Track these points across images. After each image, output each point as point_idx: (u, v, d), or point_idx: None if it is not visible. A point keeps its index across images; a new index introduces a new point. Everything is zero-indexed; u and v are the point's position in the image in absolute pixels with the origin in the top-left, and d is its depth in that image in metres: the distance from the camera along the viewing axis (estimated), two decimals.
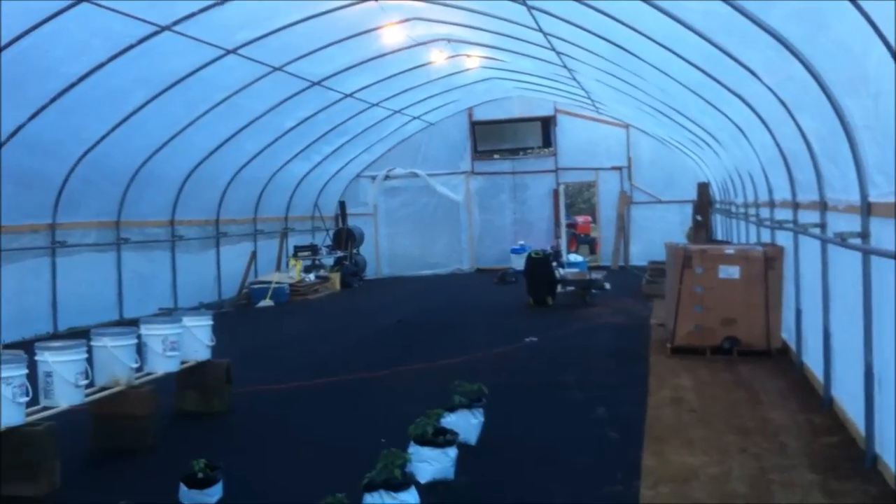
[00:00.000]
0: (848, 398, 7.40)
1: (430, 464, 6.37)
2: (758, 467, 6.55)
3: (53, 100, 12.28)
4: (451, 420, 7.13)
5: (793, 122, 8.44)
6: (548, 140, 25.62)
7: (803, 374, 9.60)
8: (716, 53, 8.82)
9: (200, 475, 6.08)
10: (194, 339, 8.66)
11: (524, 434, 7.80)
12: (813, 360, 9.14)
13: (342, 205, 25.25)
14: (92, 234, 15.69)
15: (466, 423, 7.31)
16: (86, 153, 14.20)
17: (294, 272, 20.76)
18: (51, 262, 14.59)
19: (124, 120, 14.07)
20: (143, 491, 6.27)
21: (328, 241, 24.27)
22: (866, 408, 6.43)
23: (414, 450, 6.38)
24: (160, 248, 17.64)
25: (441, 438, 6.53)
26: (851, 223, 6.77)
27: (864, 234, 6.47)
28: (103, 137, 14.15)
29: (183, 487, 6.07)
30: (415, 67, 18.63)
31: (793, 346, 10.43)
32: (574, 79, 18.17)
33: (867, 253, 6.44)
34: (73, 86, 12.25)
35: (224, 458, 6.60)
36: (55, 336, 13.35)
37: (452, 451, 6.51)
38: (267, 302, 18.94)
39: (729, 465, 6.61)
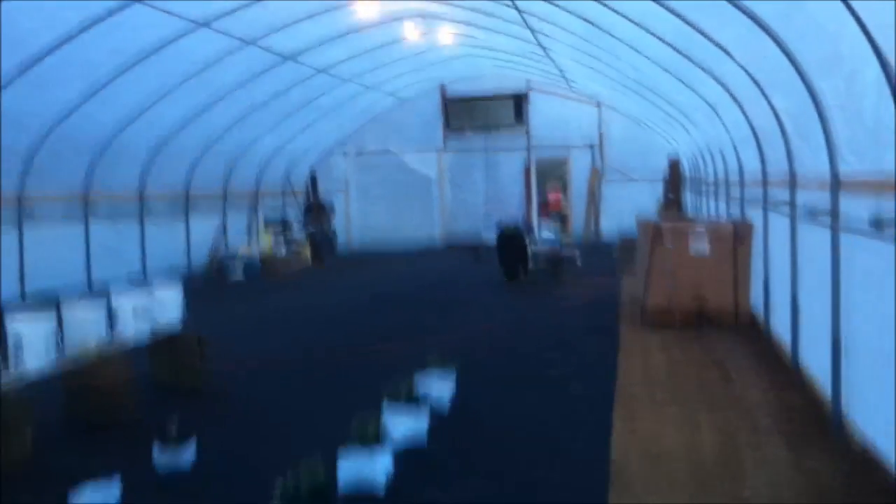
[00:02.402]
0: (815, 366, 7.56)
1: (403, 431, 6.43)
2: (728, 434, 6.67)
3: (23, 71, 12.10)
4: (423, 391, 7.19)
5: (765, 101, 8.53)
6: (520, 117, 25.66)
7: (771, 346, 9.75)
8: (689, 31, 8.88)
9: (173, 436, 6.09)
10: (165, 308, 8.65)
11: (494, 406, 7.86)
12: (781, 332, 9.29)
13: (314, 179, 25.17)
14: (60, 206, 15.51)
15: (439, 395, 7.37)
16: (56, 125, 14.02)
17: (265, 246, 20.70)
18: (18, 233, 14.42)
19: (95, 92, 13.90)
20: (116, 459, 6.27)
21: (300, 216, 24.20)
22: (833, 375, 6.58)
23: (388, 416, 6.45)
24: (129, 220, 17.49)
25: (414, 405, 6.59)
26: (821, 200, 6.87)
27: (834, 211, 6.57)
28: (74, 109, 13.98)
29: (156, 450, 6.07)
30: (388, 43, 18.55)
31: (761, 319, 10.59)
32: (548, 56, 18.20)
33: (836, 230, 6.55)
34: (43, 57, 12.08)
35: (197, 429, 6.60)
36: (23, 304, 13.23)
37: (425, 420, 6.57)
38: (237, 275, 18.86)
39: (699, 436, 6.71)
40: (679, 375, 8.40)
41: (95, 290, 14.67)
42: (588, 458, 6.29)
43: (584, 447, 6.54)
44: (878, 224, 5.00)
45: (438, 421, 6.91)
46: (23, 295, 14.18)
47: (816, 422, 6.79)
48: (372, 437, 5.57)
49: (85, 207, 16.00)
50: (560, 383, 8.69)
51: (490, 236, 21.09)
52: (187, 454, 6.11)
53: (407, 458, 6.16)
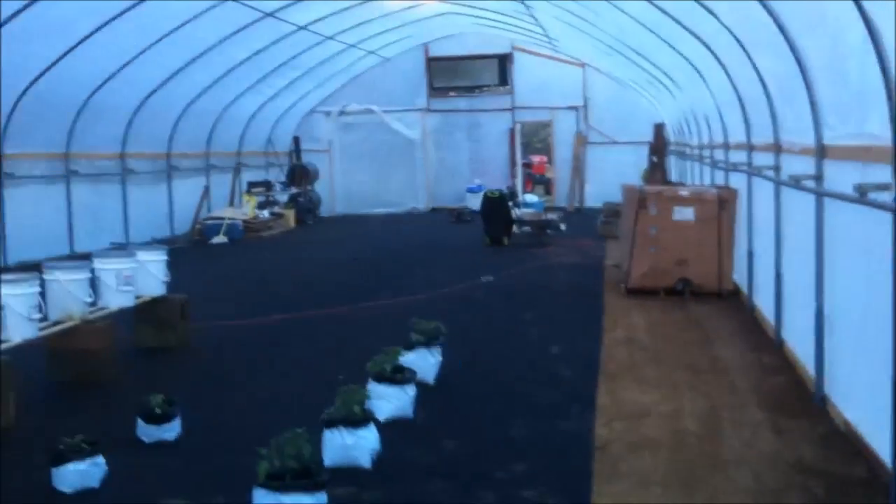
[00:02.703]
0: (798, 339, 7.56)
1: (389, 401, 6.41)
2: (709, 405, 6.70)
3: None
4: (409, 359, 7.16)
5: (749, 63, 8.48)
6: (504, 78, 25.51)
7: (754, 316, 9.79)
8: None
9: (158, 411, 6.06)
10: (149, 274, 8.58)
11: (482, 372, 7.88)
12: (764, 302, 9.31)
13: (296, 140, 24.96)
14: (41, 166, 15.35)
15: (424, 362, 7.34)
16: (32, 83, 13.81)
17: (248, 208, 20.59)
18: None
19: (71, 49, 13.69)
20: (100, 425, 6.23)
21: (282, 177, 24.03)
22: (816, 349, 6.58)
23: (372, 387, 6.42)
24: (111, 181, 17.34)
25: (399, 376, 6.57)
26: (806, 165, 6.85)
27: (818, 177, 6.55)
28: (50, 67, 13.76)
29: (141, 423, 6.05)
30: (370, 0, 18.31)
31: (745, 287, 10.62)
32: (531, 15, 18.04)
33: (821, 195, 6.54)
34: (17, 13, 11.85)
35: (181, 393, 6.57)
36: (6, 269, 13.12)
37: (411, 389, 6.56)
38: (221, 238, 18.76)
39: (680, 403, 6.75)
40: (663, 354, 8.40)
41: (78, 254, 14.58)
42: (572, 427, 6.32)
43: (566, 407, 6.57)
44: (861, 190, 4.99)
45: (424, 389, 6.90)
46: (4, 258, 14.07)
47: (799, 399, 6.79)
48: (357, 414, 5.54)
49: (66, 167, 15.83)
50: (542, 347, 8.71)
51: (474, 200, 21.07)
52: (172, 428, 6.09)
53: (392, 426, 6.16)
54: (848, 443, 5.71)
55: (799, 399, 6.78)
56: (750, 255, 10.21)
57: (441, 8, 20.41)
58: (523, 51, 24.93)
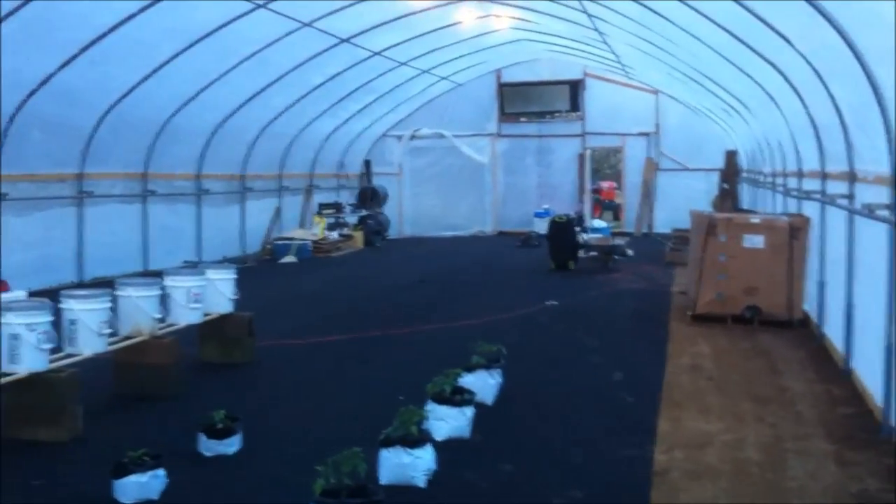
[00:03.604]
0: (868, 370, 7.37)
1: (447, 422, 6.42)
2: (773, 435, 6.55)
3: (83, 49, 12.30)
4: (468, 380, 7.17)
5: (825, 91, 8.33)
6: (575, 104, 25.42)
7: (823, 346, 9.56)
8: (748, 18, 8.70)
9: (220, 426, 6.16)
10: (217, 291, 8.74)
11: (542, 396, 7.83)
12: (834, 332, 9.09)
13: (367, 163, 25.25)
14: (119, 185, 15.78)
15: (484, 384, 7.35)
16: (115, 104, 14.24)
17: (318, 229, 20.84)
18: (77, 211, 14.70)
19: (153, 72, 14.09)
20: (163, 438, 6.37)
21: (352, 200, 24.30)
22: (885, 380, 6.40)
23: (431, 408, 6.44)
24: (186, 201, 17.73)
25: (458, 397, 6.58)
26: (880, 195, 6.69)
27: (893, 206, 6.39)
28: (132, 89, 14.18)
29: (203, 437, 6.15)
30: (444, 27, 18.49)
31: (814, 317, 10.38)
32: (605, 42, 17.99)
33: (895, 225, 6.37)
34: (103, 36, 12.25)
35: (244, 409, 6.68)
36: (81, 285, 13.50)
37: (469, 411, 6.56)
38: (290, 258, 19.03)
39: (744, 433, 6.62)
40: (728, 383, 8.24)
41: (151, 271, 14.93)
42: (632, 454, 6.23)
43: (627, 434, 6.48)
44: None
45: (482, 410, 6.89)
46: (80, 274, 14.49)
47: (866, 430, 6.60)
48: (414, 434, 5.56)
49: (143, 187, 16.25)
50: (604, 372, 8.63)
51: (541, 224, 21.00)
52: (233, 443, 6.18)
53: (449, 447, 6.15)
54: None
55: (866, 430, 6.59)
56: (821, 284, 9.98)
57: (514, 35, 20.48)
58: (595, 77, 24.84)
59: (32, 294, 8.30)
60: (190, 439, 6.22)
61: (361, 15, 15.98)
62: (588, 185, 25.40)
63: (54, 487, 5.58)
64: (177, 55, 13.99)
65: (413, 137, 25.91)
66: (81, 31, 12.01)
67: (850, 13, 6.48)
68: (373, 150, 25.88)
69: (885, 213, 6.45)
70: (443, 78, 23.93)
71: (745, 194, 19.66)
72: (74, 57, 12.32)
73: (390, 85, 21.90)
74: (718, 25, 9.99)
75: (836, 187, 8.80)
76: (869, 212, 6.63)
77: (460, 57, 21.95)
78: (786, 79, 9.79)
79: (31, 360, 6.34)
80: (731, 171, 18.90)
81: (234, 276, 9.02)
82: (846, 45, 6.78)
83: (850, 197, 8.12)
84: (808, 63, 8.41)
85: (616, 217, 28.41)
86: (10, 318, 6.32)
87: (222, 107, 17.09)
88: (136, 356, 7.57)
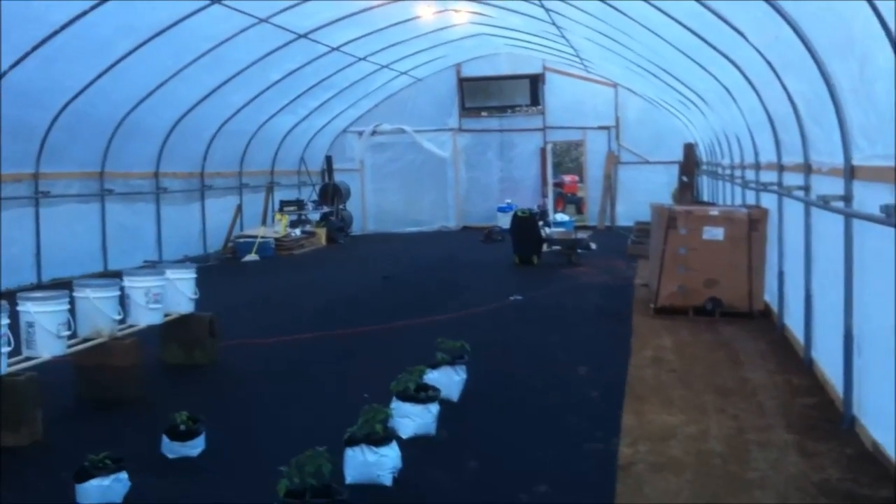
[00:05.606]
0: (827, 360, 7.48)
1: (412, 419, 6.42)
2: (735, 427, 6.62)
3: (36, 47, 12.10)
4: (433, 377, 7.17)
5: (780, 84, 8.43)
6: (536, 98, 25.51)
7: (784, 336, 9.68)
8: (704, 13, 8.78)
9: (183, 428, 6.10)
10: (178, 291, 8.65)
11: (506, 392, 7.85)
12: (794, 322, 9.21)
13: (329, 160, 25.12)
14: (76, 185, 15.57)
15: (449, 380, 7.35)
16: (69, 102, 14.04)
17: (280, 227, 20.72)
18: (34, 212, 14.49)
19: (108, 69, 13.90)
20: (126, 442, 6.30)
21: (314, 196, 24.18)
22: (845, 370, 6.50)
23: (396, 405, 6.43)
24: (145, 199, 17.56)
25: (423, 394, 6.58)
26: (835, 186, 6.78)
27: (847, 197, 6.49)
28: (87, 86, 13.99)
29: (166, 440, 6.10)
30: (402, 21, 18.43)
31: (775, 308, 10.51)
32: (563, 36, 18.06)
33: (849, 216, 6.47)
34: (55, 33, 12.06)
35: (207, 411, 6.63)
36: (38, 287, 13.30)
37: (434, 408, 6.56)
38: (252, 256, 18.90)
39: (707, 425, 6.68)
40: (691, 375, 8.32)
41: (110, 271, 14.75)
42: (597, 448, 6.27)
43: (591, 428, 6.53)
44: (888, 211, 4.93)
45: (448, 407, 6.90)
46: (39, 275, 14.28)
47: (828, 420, 6.69)
48: (379, 432, 5.54)
49: (101, 186, 16.04)
50: (568, 367, 8.67)
51: (504, 219, 21.05)
52: (197, 444, 6.13)
53: (414, 444, 6.15)
54: (876, 464, 5.63)
55: (827, 420, 6.68)
56: (780, 275, 10.11)
57: (473, 29, 20.49)
58: (555, 71, 24.94)
59: None
60: (153, 442, 6.16)
61: (318, 11, 15.88)
62: (550, 180, 25.51)
63: (15, 493, 5.50)
64: (132, 52, 13.81)
65: (374, 133, 25.84)
66: (33, 29, 11.81)
67: (804, 8, 6.56)
68: (334, 146, 25.77)
69: (839, 204, 6.54)
70: (403, 73, 23.89)
71: (705, 186, 19.86)
72: (27, 55, 12.11)
73: (350, 80, 21.82)
74: (675, 20, 10.06)
75: (793, 179, 8.91)
76: (824, 203, 6.71)
77: (420, 52, 21.93)
78: (742, 73, 9.89)
79: None
80: (690, 164, 19.09)
81: (195, 276, 8.93)
82: (799, 39, 6.87)
83: (807, 189, 8.23)
84: (763, 56, 8.50)
85: (579, 211, 28.57)
86: None
87: (180, 104, 16.92)
88: (98, 358, 7.47)
